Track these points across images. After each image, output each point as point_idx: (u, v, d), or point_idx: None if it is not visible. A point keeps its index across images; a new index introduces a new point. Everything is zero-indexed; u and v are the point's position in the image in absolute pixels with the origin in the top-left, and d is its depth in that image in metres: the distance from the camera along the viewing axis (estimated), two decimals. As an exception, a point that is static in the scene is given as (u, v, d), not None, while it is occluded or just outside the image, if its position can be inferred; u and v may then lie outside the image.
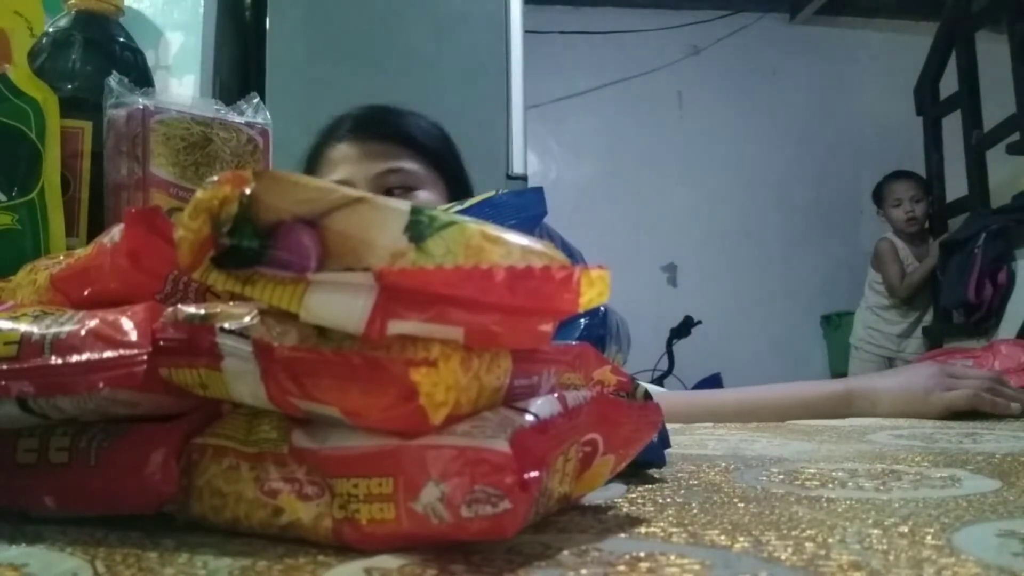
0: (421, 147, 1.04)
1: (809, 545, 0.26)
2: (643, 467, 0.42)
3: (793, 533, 0.28)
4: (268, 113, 0.64)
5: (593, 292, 0.25)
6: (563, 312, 0.25)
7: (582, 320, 0.49)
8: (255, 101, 0.64)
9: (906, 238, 3.45)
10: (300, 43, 1.98)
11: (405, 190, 1.00)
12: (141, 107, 0.58)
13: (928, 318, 3.50)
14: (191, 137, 0.59)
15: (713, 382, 3.37)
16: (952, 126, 3.62)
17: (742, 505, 0.34)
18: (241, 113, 0.63)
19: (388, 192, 0.98)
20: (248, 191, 0.26)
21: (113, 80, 0.59)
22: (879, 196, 3.53)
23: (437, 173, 1.05)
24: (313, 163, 1.06)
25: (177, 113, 0.60)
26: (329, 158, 1.03)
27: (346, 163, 1.01)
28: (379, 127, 1.04)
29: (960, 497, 0.35)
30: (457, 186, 1.08)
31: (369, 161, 1.00)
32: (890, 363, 3.40)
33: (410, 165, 1.02)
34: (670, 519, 0.31)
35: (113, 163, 0.60)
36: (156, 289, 0.32)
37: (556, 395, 0.29)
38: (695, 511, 0.33)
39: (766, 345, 3.95)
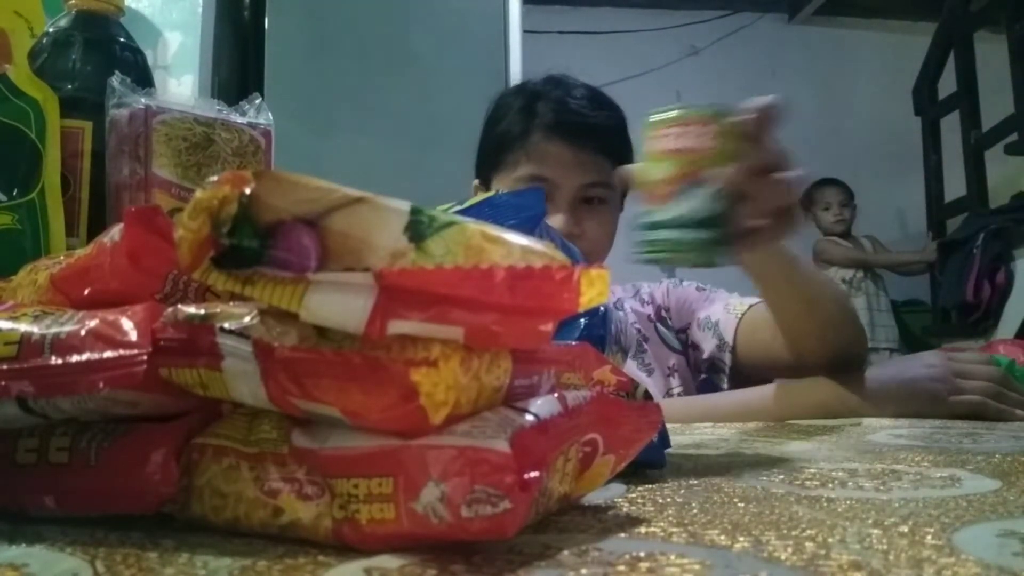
0: (621, 160, 1.08)
1: (809, 545, 0.26)
2: (643, 467, 0.42)
3: (793, 533, 0.28)
4: (270, 114, 0.64)
5: (593, 292, 0.25)
6: (563, 312, 0.25)
7: (582, 320, 0.49)
8: (257, 102, 0.64)
9: (837, 237, 3.70)
10: (299, 43, 1.99)
11: (599, 202, 1.08)
12: (143, 107, 0.58)
13: (878, 304, 3.62)
14: (193, 137, 0.59)
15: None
16: (951, 126, 3.62)
17: (742, 505, 0.34)
18: (243, 114, 0.63)
19: (586, 201, 1.06)
20: (248, 191, 0.26)
21: (116, 80, 0.59)
22: (807, 201, 3.71)
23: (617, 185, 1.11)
24: (513, 140, 1.09)
25: (179, 113, 0.60)
26: (538, 148, 1.07)
27: (557, 164, 1.06)
28: (595, 138, 1.08)
29: (960, 497, 0.35)
30: (626, 191, 1.14)
31: (579, 171, 1.06)
32: None
33: (607, 178, 1.07)
34: (670, 519, 0.31)
35: (115, 163, 0.60)
36: (156, 289, 0.32)
37: (556, 395, 0.29)
38: (695, 511, 0.33)
39: (765, 345, 3.95)
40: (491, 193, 0.45)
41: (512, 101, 1.16)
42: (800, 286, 0.88)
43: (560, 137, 1.07)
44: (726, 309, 1.11)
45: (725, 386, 1.10)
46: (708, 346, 1.11)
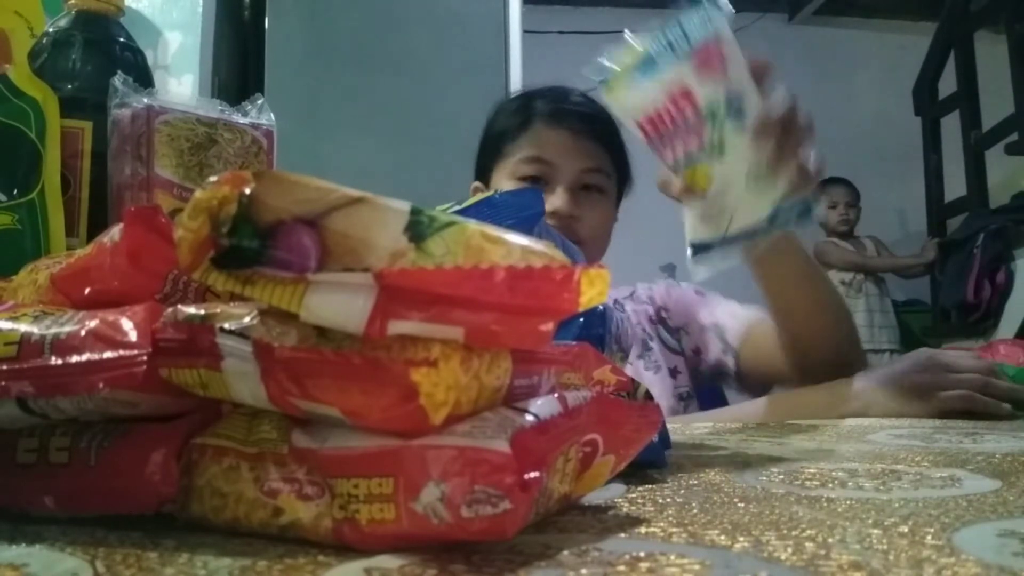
0: (616, 154, 1.14)
1: (809, 545, 0.26)
2: (643, 467, 0.42)
3: (793, 533, 0.28)
4: (272, 114, 0.64)
5: (593, 291, 0.25)
6: (563, 312, 0.25)
7: (581, 319, 0.49)
8: (260, 102, 0.64)
9: (839, 237, 3.67)
10: (299, 43, 1.99)
11: (598, 190, 1.10)
12: (146, 107, 0.58)
13: (880, 305, 3.61)
14: (196, 138, 0.59)
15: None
16: (951, 126, 3.62)
17: (742, 505, 0.34)
18: (245, 114, 0.63)
19: (585, 188, 1.09)
20: (247, 191, 0.26)
21: (118, 80, 0.59)
22: (814, 195, 3.66)
23: (617, 177, 1.15)
24: (517, 129, 1.11)
25: (182, 114, 0.60)
26: (540, 134, 1.09)
27: (556, 147, 1.08)
28: (595, 126, 1.10)
29: (960, 497, 0.35)
30: (623, 188, 1.18)
31: (578, 156, 1.09)
32: None
33: (607, 168, 1.11)
34: (670, 519, 0.31)
35: (117, 163, 0.60)
36: (156, 289, 0.32)
37: (556, 395, 0.29)
38: (695, 511, 0.33)
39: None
40: (490, 193, 0.45)
41: (511, 103, 1.19)
42: (811, 286, 0.90)
43: (560, 124, 1.10)
44: (732, 316, 1.13)
45: (731, 391, 1.14)
46: (714, 350, 1.13)
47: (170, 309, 0.29)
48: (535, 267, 0.24)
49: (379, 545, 0.25)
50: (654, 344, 1.17)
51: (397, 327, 0.24)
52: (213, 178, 0.26)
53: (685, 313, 1.18)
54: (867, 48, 4.40)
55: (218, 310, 0.28)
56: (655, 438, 0.38)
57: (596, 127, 1.11)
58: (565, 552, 0.26)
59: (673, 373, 1.16)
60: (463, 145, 1.22)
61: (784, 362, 0.99)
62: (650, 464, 0.42)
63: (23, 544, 0.27)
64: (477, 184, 1.18)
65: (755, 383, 1.10)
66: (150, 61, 0.71)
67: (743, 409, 0.95)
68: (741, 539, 0.27)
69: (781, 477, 0.41)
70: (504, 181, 1.11)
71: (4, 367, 0.27)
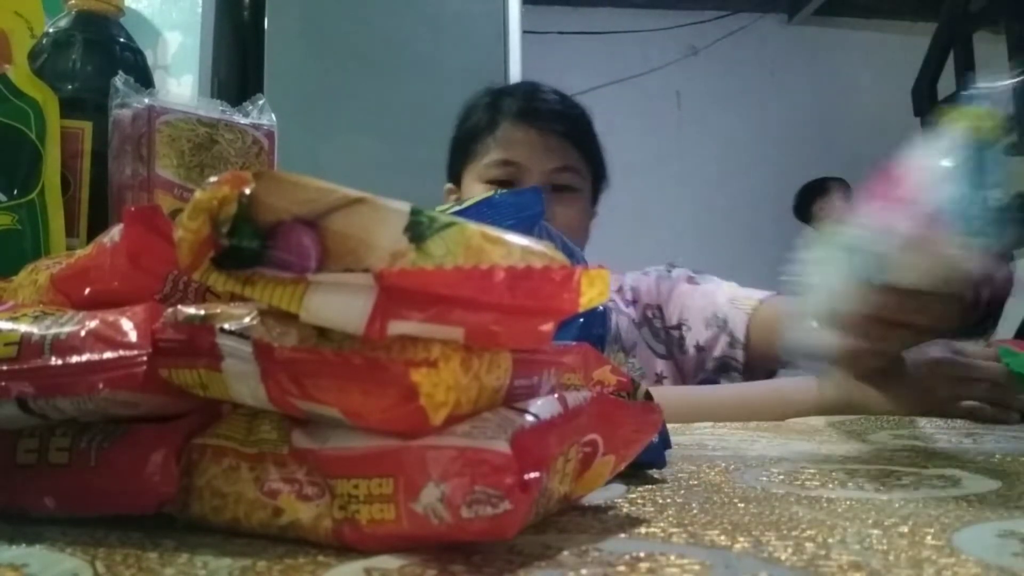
0: (588, 150, 1.12)
1: (809, 545, 0.26)
2: (643, 467, 0.42)
3: (793, 533, 0.28)
4: (273, 115, 0.64)
5: (593, 292, 0.25)
6: (563, 312, 0.25)
7: (581, 319, 0.49)
8: (260, 103, 0.64)
9: None
10: (298, 43, 1.99)
11: (570, 189, 1.09)
12: (147, 107, 0.58)
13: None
14: (196, 138, 0.59)
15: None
16: (950, 127, 3.61)
17: (742, 505, 0.34)
18: (246, 114, 0.63)
19: (556, 188, 1.07)
20: (247, 191, 0.26)
21: (119, 80, 0.59)
22: (809, 197, 3.61)
23: (591, 173, 1.13)
24: (482, 130, 1.10)
25: (183, 114, 0.60)
26: (507, 135, 1.08)
27: (525, 148, 1.07)
28: (563, 123, 1.09)
29: (960, 497, 0.35)
30: (599, 184, 1.16)
31: (547, 155, 1.07)
32: None
33: (578, 166, 1.10)
34: (670, 519, 0.31)
35: (118, 164, 0.60)
36: (156, 289, 0.32)
37: (556, 395, 0.29)
38: (695, 511, 0.33)
39: (765, 345, 3.94)
40: (489, 193, 0.45)
41: (480, 100, 1.18)
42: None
43: (527, 122, 1.08)
44: (732, 304, 1.09)
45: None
46: (719, 345, 1.08)
47: (170, 309, 0.29)
48: (535, 267, 0.24)
49: (379, 545, 0.25)
50: (638, 350, 1.13)
51: (397, 327, 0.24)
52: (213, 178, 0.26)
53: (682, 307, 1.13)
54: (866, 48, 4.40)
55: (218, 310, 0.28)
56: (655, 438, 0.38)
57: (565, 124, 1.09)
58: (565, 552, 0.26)
59: (659, 379, 1.12)
60: (463, 146, 1.22)
61: None
62: (650, 464, 0.42)
63: (23, 544, 0.27)
64: (450, 186, 1.17)
65: (761, 371, 1.06)
66: (150, 61, 0.71)
67: (747, 391, 0.91)
68: (741, 539, 0.27)
69: (781, 477, 0.41)
70: (473, 184, 1.10)
71: (4, 367, 0.27)
